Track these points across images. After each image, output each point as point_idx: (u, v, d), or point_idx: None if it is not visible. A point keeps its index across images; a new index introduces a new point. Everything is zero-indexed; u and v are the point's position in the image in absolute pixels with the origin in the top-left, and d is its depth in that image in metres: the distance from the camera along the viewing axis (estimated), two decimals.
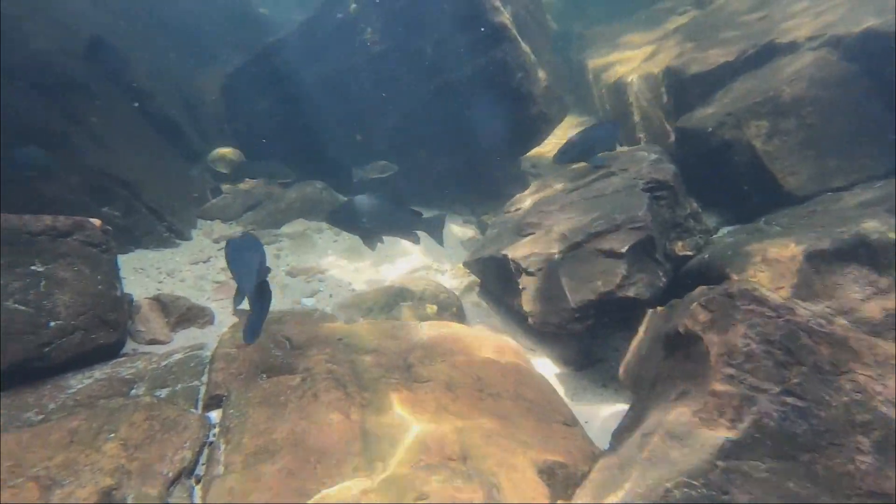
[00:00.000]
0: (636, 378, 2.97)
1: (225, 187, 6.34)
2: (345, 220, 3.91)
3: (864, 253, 2.56)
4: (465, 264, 5.01)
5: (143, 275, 4.62)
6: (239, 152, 6.78)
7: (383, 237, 3.86)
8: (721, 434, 1.62)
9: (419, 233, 3.96)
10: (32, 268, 2.49)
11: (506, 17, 5.47)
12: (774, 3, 5.43)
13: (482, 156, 6.04)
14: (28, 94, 4.06)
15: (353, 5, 6.07)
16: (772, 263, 2.80)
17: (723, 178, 4.66)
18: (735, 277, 2.88)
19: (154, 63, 6.63)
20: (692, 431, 1.67)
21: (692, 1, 7.35)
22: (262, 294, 2.58)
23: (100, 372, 2.56)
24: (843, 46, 4.07)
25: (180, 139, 6.40)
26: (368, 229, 3.72)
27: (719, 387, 1.68)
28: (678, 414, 1.78)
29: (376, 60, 6.02)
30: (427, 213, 3.97)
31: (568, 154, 4.89)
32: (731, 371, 1.67)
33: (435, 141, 6.07)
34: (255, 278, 2.51)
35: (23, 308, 2.38)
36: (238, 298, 3.01)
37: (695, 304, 2.04)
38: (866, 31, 3.96)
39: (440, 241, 4.09)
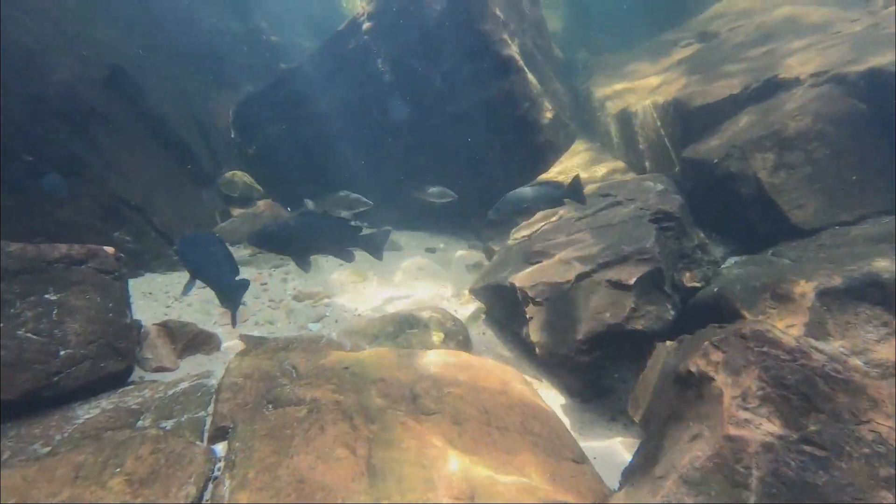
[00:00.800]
0: (646, 414, 2.92)
1: (235, 211, 6.43)
2: (268, 241, 3.56)
3: (875, 292, 2.54)
4: (472, 291, 5.00)
5: (151, 299, 4.64)
6: (248, 176, 6.90)
7: (316, 255, 3.57)
8: (737, 481, 1.59)
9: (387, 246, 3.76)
10: (46, 296, 2.51)
11: (513, 50, 5.61)
12: (777, 38, 5.56)
13: (489, 182, 6.10)
14: (51, 123, 4.18)
15: (365, 37, 6.25)
16: (783, 300, 2.79)
17: (729, 209, 4.68)
18: (747, 315, 2.86)
19: (169, 89, 6.81)
20: (707, 477, 1.64)
21: (695, 34, 7.52)
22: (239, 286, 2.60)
23: (107, 401, 2.55)
24: (848, 83, 4.14)
25: (192, 163, 6.53)
26: (298, 248, 3.43)
27: (734, 431, 1.65)
28: (692, 458, 1.75)
29: (386, 90, 6.16)
30: (427, 237, 3.91)
31: (500, 212, 4.50)
32: (746, 415, 1.64)
33: (443, 168, 6.16)
34: (229, 272, 2.53)
35: (35, 337, 2.39)
36: (190, 286, 2.89)
37: (706, 343, 2.03)
38: (870, 69, 4.03)
39: (379, 258, 3.87)
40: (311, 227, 3.52)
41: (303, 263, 3.52)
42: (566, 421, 3.40)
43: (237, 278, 2.71)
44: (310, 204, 5.65)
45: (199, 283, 2.93)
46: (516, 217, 4.85)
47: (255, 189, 6.87)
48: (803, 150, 4.14)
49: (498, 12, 5.66)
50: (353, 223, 3.67)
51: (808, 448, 1.54)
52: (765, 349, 1.77)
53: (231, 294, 2.84)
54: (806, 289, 2.71)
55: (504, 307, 4.43)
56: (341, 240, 3.59)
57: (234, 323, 2.76)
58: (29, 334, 2.38)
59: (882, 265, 2.66)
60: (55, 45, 4.62)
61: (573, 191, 4.01)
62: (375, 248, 3.84)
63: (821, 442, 1.53)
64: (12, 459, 2.06)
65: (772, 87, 4.77)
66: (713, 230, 4.74)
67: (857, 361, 2.17)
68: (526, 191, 4.20)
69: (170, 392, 2.79)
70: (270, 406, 2.83)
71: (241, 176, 6.85)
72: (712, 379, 1.90)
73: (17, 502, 1.66)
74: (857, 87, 4.11)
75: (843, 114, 4.12)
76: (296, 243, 3.40)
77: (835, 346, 2.10)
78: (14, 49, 4.06)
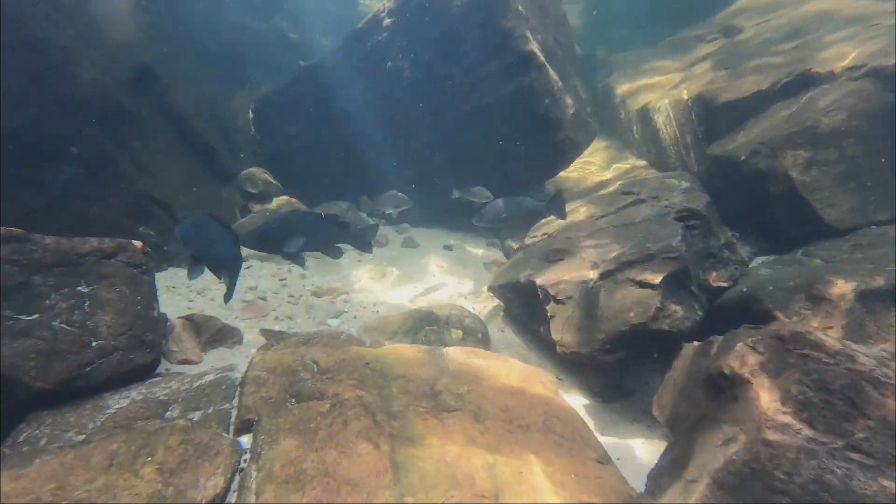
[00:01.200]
0: (672, 416, 2.87)
1: (254, 207, 6.50)
2: (259, 241, 3.58)
3: None
4: (490, 289, 4.98)
5: (174, 293, 4.72)
6: (268, 173, 6.97)
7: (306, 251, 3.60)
8: (776, 487, 1.54)
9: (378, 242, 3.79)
10: (78, 288, 2.57)
11: (534, 46, 5.55)
12: (809, 32, 5.39)
13: (509, 179, 6.06)
14: (81, 123, 4.27)
15: (385, 33, 6.25)
16: (818, 301, 2.70)
17: (756, 207, 4.57)
18: (780, 316, 2.78)
19: (192, 87, 6.92)
20: (744, 483, 1.59)
21: (720, 29, 7.34)
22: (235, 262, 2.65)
23: (136, 392, 2.60)
24: (886, 77, 4.00)
25: (214, 160, 6.62)
26: (285, 247, 3.43)
27: (773, 436, 1.60)
28: (727, 462, 1.70)
29: (406, 86, 6.15)
30: (445, 234, 3.89)
31: (486, 218, 4.54)
32: (785, 420, 1.59)
33: (463, 164, 6.13)
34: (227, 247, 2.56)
35: (69, 328, 2.45)
36: (197, 270, 2.93)
37: (741, 344, 1.97)
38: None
39: (369, 251, 3.94)
40: (300, 226, 3.56)
41: (298, 260, 3.58)
42: (589, 422, 3.36)
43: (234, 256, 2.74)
44: (365, 201, 5.79)
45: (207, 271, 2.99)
46: (498, 225, 4.91)
47: (274, 185, 6.94)
48: (837, 146, 4.01)
49: (520, 8, 5.61)
50: (341, 220, 3.74)
51: (855, 456, 1.48)
52: (805, 351, 1.71)
53: (228, 265, 2.87)
54: (844, 290, 2.62)
55: (523, 305, 4.39)
56: (330, 237, 3.64)
57: (229, 296, 2.80)
58: (63, 325, 2.44)
59: None
60: (86, 44, 4.72)
61: (554, 204, 4.10)
62: (364, 243, 3.92)
63: (869, 450, 1.47)
64: (49, 446, 2.11)
65: (804, 82, 4.64)
66: (738, 229, 4.63)
67: None
68: (509, 201, 4.40)
69: (196, 384, 2.83)
70: (293, 400, 2.85)
71: (259, 173, 6.91)
72: (748, 381, 1.85)
73: (56, 487, 1.70)
74: None
75: (880, 109, 3.97)
76: (285, 242, 3.43)
77: (878, 350, 2.03)
78: (48, 49, 4.16)
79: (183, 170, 5.71)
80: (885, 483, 1.42)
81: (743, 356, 1.89)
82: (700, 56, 6.86)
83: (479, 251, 6.30)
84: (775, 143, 4.31)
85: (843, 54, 4.53)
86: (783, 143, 4.26)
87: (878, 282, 2.55)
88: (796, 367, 1.70)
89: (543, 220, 5.38)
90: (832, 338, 1.75)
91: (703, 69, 6.20)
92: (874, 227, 3.69)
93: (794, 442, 1.57)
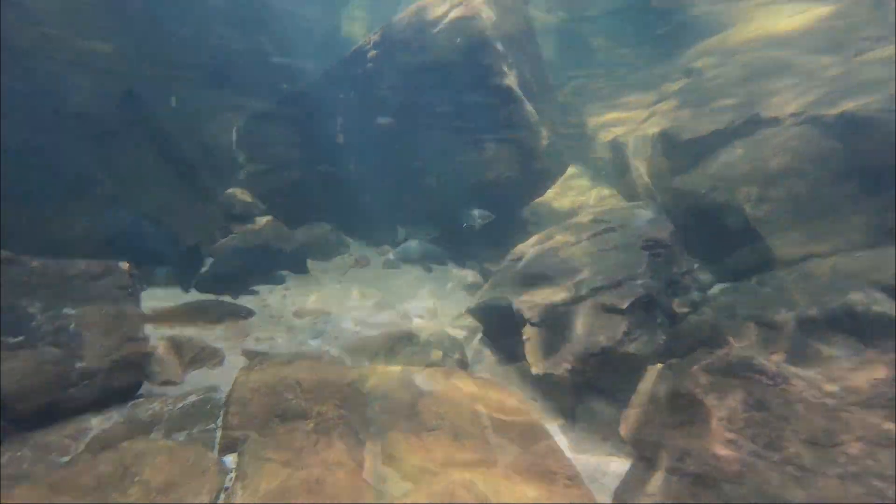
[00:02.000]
0: (637, 434, 3.06)
1: (236, 228, 6.52)
2: (212, 286, 3.85)
3: (850, 323, 2.74)
4: (469, 310, 5.14)
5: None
6: (249, 194, 7.02)
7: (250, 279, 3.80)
8: (724, 495, 1.73)
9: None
10: (65, 310, 2.60)
11: (511, 80, 5.90)
12: (761, 78, 5.91)
13: (489, 204, 6.31)
14: (69, 145, 4.28)
15: (370, 64, 6.50)
16: (766, 328, 2.98)
17: (715, 237, 4.92)
18: (733, 341, 3.05)
19: (176, 107, 6.96)
20: (696, 494, 1.78)
21: (683, 70, 7.91)
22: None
23: (118, 413, 2.62)
24: (823, 124, 4.46)
25: (195, 180, 6.63)
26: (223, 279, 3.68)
27: (721, 451, 1.80)
28: (681, 477, 1.89)
29: (391, 114, 6.39)
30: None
31: (398, 256, 5.47)
32: (731, 436, 1.80)
33: (446, 189, 6.36)
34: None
35: (54, 350, 2.47)
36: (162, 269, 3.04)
37: (696, 367, 2.19)
38: (843, 112, 4.36)
39: (305, 272, 4.25)
40: (241, 260, 3.75)
41: (246, 292, 3.80)
42: (561, 441, 3.52)
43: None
44: (401, 232, 6.06)
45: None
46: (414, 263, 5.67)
47: (255, 206, 6.98)
48: (784, 185, 4.41)
49: (498, 46, 5.96)
50: (274, 248, 3.98)
51: (788, 468, 1.69)
52: (749, 374, 1.93)
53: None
54: (787, 318, 2.91)
55: (500, 327, 4.57)
56: (268, 265, 3.83)
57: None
58: (49, 346, 2.47)
59: (856, 297, 2.88)
60: (73, 66, 4.75)
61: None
62: (299, 267, 4.15)
63: (799, 462, 1.69)
64: (34, 468, 2.12)
65: (754, 124, 5.08)
66: (700, 257, 4.97)
67: (833, 387, 2.35)
68: (420, 245, 5.54)
69: (179, 405, 2.87)
70: (278, 420, 2.92)
71: (241, 193, 6.96)
72: (701, 401, 2.06)
73: None
74: (833, 127, 4.43)
75: (820, 152, 4.41)
76: (232, 278, 3.61)
77: (812, 373, 2.28)
78: (38, 73, 4.19)
79: (164, 189, 5.73)
80: (811, 491, 1.64)
81: (697, 378, 2.11)
82: (666, 94, 7.37)
83: (459, 273, 6.48)
84: (731, 179, 4.70)
85: (788, 101, 5.02)
86: (738, 179, 4.65)
87: (814, 311, 2.85)
88: (741, 388, 1.92)
89: (521, 245, 5.62)
90: (772, 362, 1.98)
91: (668, 107, 6.67)
92: (817, 258, 4.06)
93: (739, 455, 1.77)
